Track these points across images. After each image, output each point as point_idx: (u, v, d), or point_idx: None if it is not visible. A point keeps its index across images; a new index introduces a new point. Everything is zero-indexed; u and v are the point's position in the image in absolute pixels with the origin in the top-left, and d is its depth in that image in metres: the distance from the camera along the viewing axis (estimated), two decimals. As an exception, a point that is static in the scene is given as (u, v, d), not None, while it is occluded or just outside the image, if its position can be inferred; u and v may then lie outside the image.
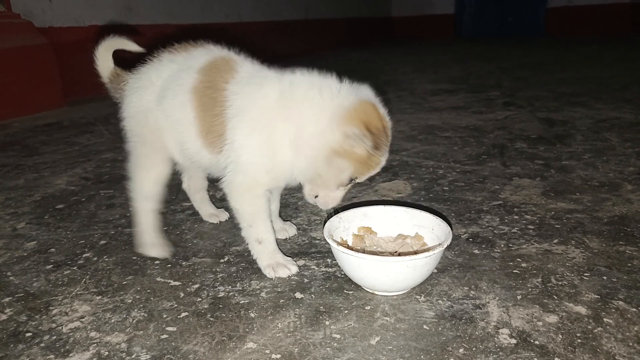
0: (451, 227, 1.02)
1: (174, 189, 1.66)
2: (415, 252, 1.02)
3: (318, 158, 0.96)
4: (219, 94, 1.03)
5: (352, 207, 1.15)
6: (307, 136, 0.96)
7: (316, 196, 1.04)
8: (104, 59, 1.20)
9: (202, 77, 1.05)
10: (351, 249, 1.02)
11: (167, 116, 1.09)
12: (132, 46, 1.22)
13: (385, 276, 0.91)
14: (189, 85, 1.05)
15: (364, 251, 1.05)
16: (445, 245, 0.94)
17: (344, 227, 1.11)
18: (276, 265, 1.06)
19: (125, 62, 1.23)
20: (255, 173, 1.01)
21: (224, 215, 1.39)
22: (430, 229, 1.07)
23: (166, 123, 1.10)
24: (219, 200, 1.54)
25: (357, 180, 1.01)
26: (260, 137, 0.99)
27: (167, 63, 1.12)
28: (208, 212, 1.40)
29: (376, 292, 0.97)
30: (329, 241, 0.97)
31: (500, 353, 0.78)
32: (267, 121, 0.99)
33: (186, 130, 1.07)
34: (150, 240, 1.19)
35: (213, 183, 1.68)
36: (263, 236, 1.07)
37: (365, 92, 1.00)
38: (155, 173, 1.17)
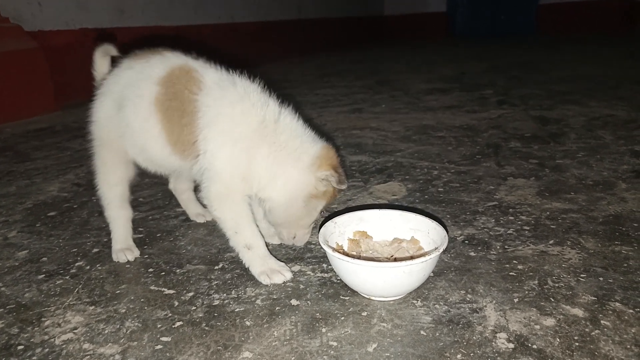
0: (447, 231, 1.01)
1: (167, 194, 1.65)
2: (412, 257, 1.02)
3: (297, 202, 1.06)
4: (188, 105, 1.04)
5: (347, 212, 1.14)
6: (287, 183, 1.05)
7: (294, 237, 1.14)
8: (100, 63, 1.25)
9: (164, 89, 1.06)
10: (347, 254, 1.01)
11: (128, 126, 1.11)
12: (114, 53, 1.26)
13: (382, 282, 0.90)
14: (150, 97, 1.06)
15: (359, 256, 1.04)
16: (441, 250, 0.93)
17: (340, 232, 1.10)
18: (270, 271, 1.05)
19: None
20: (230, 180, 1.03)
21: (210, 215, 1.40)
22: (426, 233, 1.07)
23: (128, 132, 1.12)
24: (213, 205, 1.53)
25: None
26: (235, 147, 1.02)
27: (125, 70, 1.14)
28: (195, 211, 1.42)
29: (373, 298, 0.96)
30: (325, 247, 0.96)
31: (498, 358, 0.78)
32: (244, 136, 1.02)
33: (151, 140, 1.09)
34: (120, 246, 1.21)
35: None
36: (251, 241, 1.06)
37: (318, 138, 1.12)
38: (117, 175, 1.20)
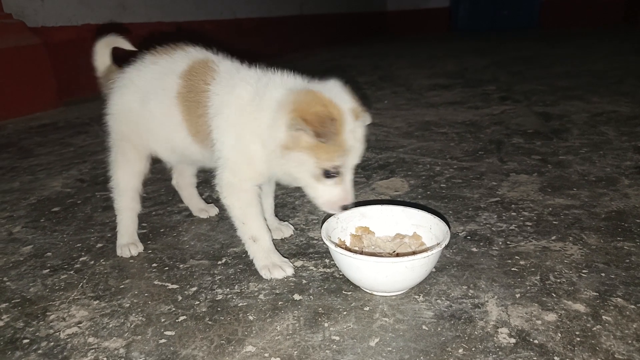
0: (449, 226, 1.02)
1: (170, 190, 1.65)
2: (414, 252, 1.02)
3: (276, 156, 0.98)
4: (202, 95, 1.06)
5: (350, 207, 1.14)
6: (265, 137, 0.99)
7: None
8: (101, 54, 1.26)
9: (184, 82, 1.08)
10: (349, 249, 1.01)
11: (154, 119, 1.13)
12: (126, 45, 1.28)
13: (384, 277, 0.91)
14: (173, 90, 1.09)
15: (362, 251, 1.05)
16: (443, 245, 0.93)
17: (342, 227, 1.11)
18: (272, 266, 1.05)
19: (122, 59, 1.26)
20: (236, 167, 1.04)
21: (213, 210, 1.43)
22: (428, 228, 1.07)
23: (153, 125, 1.14)
24: (216, 200, 1.54)
25: (342, 168, 0.97)
26: (234, 133, 1.02)
27: (150, 65, 1.15)
28: (197, 207, 1.43)
29: (375, 293, 0.97)
30: (327, 243, 0.96)
31: (500, 353, 0.78)
32: (239, 119, 1.01)
33: (175, 131, 1.11)
34: (126, 241, 1.22)
35: (208, 184, 1.68)
36: (257, 233, 1.07)
37: (320, 85, 1.00)
38: (133, 168, 1.21)
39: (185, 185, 1.42)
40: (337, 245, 0.96)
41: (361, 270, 0.92)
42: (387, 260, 0.89)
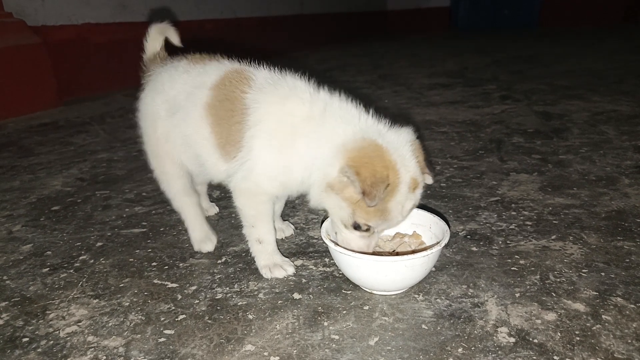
0: (448, 225, 1.01)
1: (171, 189, 1.65)
2: (414, 252, 1.02)
3: (318, 187, 0.94)
4: (238, 103, 1.01)
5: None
6: (314, 165, 0.95)
7: None
8: (153, 39, 1.23)
9: (216, 93, 1.04)
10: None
11: (179, 132, 1.10)
12: (175, 38, 1.25)
13: (383, 276, 0.91)
14: (202, 102, 1.04)
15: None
16: (443, 244, 0.93)
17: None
18: (273, 265, 1.05)
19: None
20: (266, 184, 1.00)
21: (213, 210, 1.44)
22: (427, 228, 1.07)
23: (178, 138, 1.11)
24: (216, 199, 1.54)
25: (374, 228, 0.93)
26: (279, 151, 0.97)
27: (182, 73, 1.11)
28: (204, 205, 1.42)
29: (374, 292, 0.97)
30: (326, 241, 0.96)
31: (499, 352, 0.78)
32: (289, 137, 0.96)
33: (201, 145, 1.07)
34: (200, 236, 1.20)
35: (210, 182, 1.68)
36: (264, 237, 1.07)
37: (390, 135, 0.93)
38: (171, 169, 1.18)
39: (195, 182, 1.37)
40: (336, 244, 0.96)
41: (360, 269, 0.92)
42: (386, 259, 0.89)
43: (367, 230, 0.93)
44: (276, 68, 1.07)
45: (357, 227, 0.93)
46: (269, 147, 0.97)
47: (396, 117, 2.52)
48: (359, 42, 7.72)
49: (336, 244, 0.97)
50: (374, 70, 4.45)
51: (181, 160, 1.16)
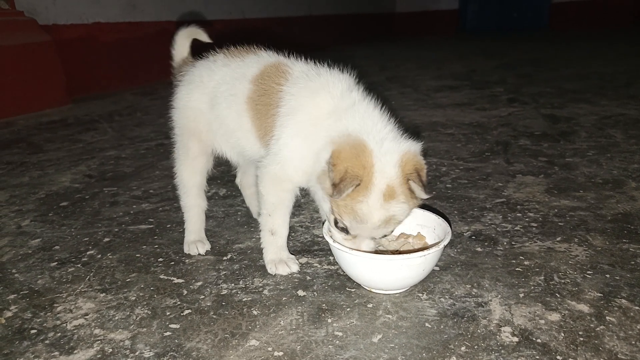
0: (451, 227, 1.01)
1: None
2: (412, 251, 1.02)
3: (315, 178, 0.97)
4: (274, 96, 1.03)
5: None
6: (316, 156, 0.96)
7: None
8: (180, 44, 1.27)
9: (256, 87, 1.06)
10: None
11: (221, 123, 1.12)
12: (204, 37, 1.27)
13: (379, 274, 0.91)
14: (243, 96, 1.07)
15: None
16: (442, 245, 0.93)
17: None
18: (279, 261, 1.06)
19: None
20: (291, 169, 1.01)
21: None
22: (432, 229, 1.07)
23: (220, 128, 1.13)
24: (222, 197, 1.55)
25: (353, 231, 0.93)
26: (303, 141, 0.98)
27: (221, 67, 1.13)
28: (258, 209, 1.37)
29: (373, 290, 0.97)
30: (327, 237, 0.97)
31: (502, 351, 0.79)
32: (312, 128, 0.97)
33: (244, 137, 1.10)
34: (194, 238, 1.21)
35: (214, 181, 1.69)
36: (277, 229, 1.07)
37: (388, 142, 0.91)
38: (197, 165, 1.21)
39: (249, 184, 1.39)
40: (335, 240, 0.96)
41: (357, 267, 0.93)
42: (381, 257, 0.90)
43: (347, 232, 0.93)
44: (314, 61, 1.08)
45: (337, 226, 0.94)
46: (295, 137, 0.99)
47: (402, 118, 2.52)
48: (367, 43, 7.73)
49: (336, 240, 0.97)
50: (381, 72, 4.45)
51: (219, 152, 1.19)
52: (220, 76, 1.12)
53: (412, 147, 0.92)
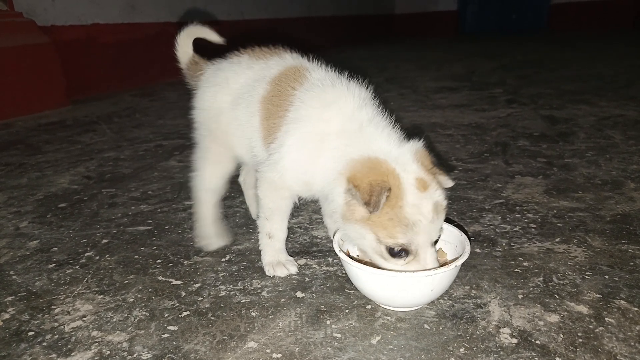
0: (471, 244, 0.95)
1: (175, 188, 1.67)
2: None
3: (337, 220, 0.91)
4: (286, 99, 1.01)
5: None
6: (328, 188, 0.92)
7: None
8: (184, 45, 1.24)
9: (271, 87, 1.05)
10: (360, 260, 0.93)
11: (238, 124, 1.11)
12: (212, 36, 1.25)
13: (385, 290, 0.86)
14: (259, 96, 1.06)
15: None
16: (452, 266, 0.85)
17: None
18: (276, 263, 1.06)
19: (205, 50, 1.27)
20: (290, 180, 0.99)
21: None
22: (454, 246, 1.00)
23: (238, 129, 1.12)
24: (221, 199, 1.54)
25: (412, 246, 0.84)
26: (307, 155, 0.96)
27: (245, 69, 1.13)
28: (257, 211, 1.37)
29: (388, 307, 0.92)
30: (337, 251, 0.92)
31: (501, 352, 0.78)
32: (318, 144, 0.95)
33: (253, 137, 1.09)
34: (209, 232, 1.21)
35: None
36: (275, 233, 1.07)
37: (394, 150, 0.90)
38: (220, 168, 1.20)
39: (251, 184, 1.37)
40: (347, 255, 0.92)
41: (365, 282, 0.88)
42: (384, 273, 0.84)
43: (406, 253, 0.85)
44: (337, 69, 1.06)
45: (394, 253, 0.85)
46: (299, 149, 0.96)
47: (402, 119, 2.52)
48: (366, 44, 7.74)
49: (347, 255, 0.92)
50: (380, 73, 4.45)
51: (238, 155, 1.18)
52: (244, 79, 1.12)
53: (419, 146, 0.92)
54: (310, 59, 1.11)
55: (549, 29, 8.27)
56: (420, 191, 0.84)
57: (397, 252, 0.84)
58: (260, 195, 1.05)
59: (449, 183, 0.90)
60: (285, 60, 1.10)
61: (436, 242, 0.90)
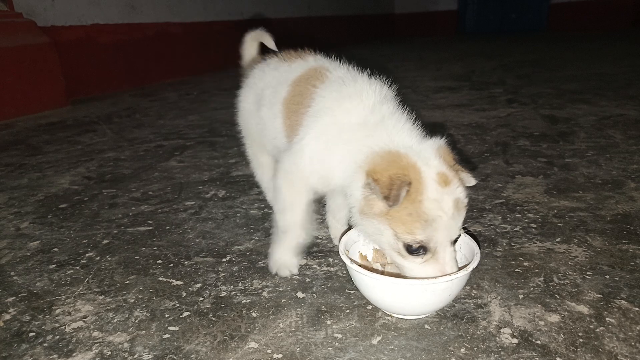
0: (479, 246, 0.93)
1: (176, 188, 1.67)
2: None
3: (354, 214, 0.90)
4: (307, 97, 1.01)
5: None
6: (346, 183, 0.91)
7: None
8: (249, 46, 1.34)
9: (292, 89, 1.06)
10: (367, 267, 0.91)
11: (263, 127, 1.15)
12: (269, 42, 1.36)
13: (384, 296, 0.85)
14: (281, 98, 1.08)
15: (384, 268, 1.00)
16: (470, 269, 0.83)
17: (365, 240, 1.02)
18: (281, 263, 1.05)
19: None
20: (308, 171, 0.97)
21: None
22: (458, 248, 0.98)
23: (263, 132, 1.16)
24: (221, 199, 1.55)
25: (431, 243, 0.82)
26: (327, 143, 0.95)
27: (271, 71, 1.17)
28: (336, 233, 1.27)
29: (395, 315, 0.90)
30: (342, 257, 0.90)
31: (502, 353, 0.78)
32: (336, 136, 0.94)
33: (276, 138, 1.10)
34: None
35: (214, 182, 1.69)
36: (289, 228, 1.05)
37: (416, 145, 0.88)
38: (265, 164, 1.28)
39: (338, 208, 1.25)
40: (352, 260, 0.90)
41: (375, 290, 0.86)
42: (404, 281, 0.82)
43: (425, 250, 0.82)
44: (361, 68, 1.07)
45: (412, 251, 0.83)
46: (318, 139, 0.95)
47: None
48: (366, 44, 7.74)
49: (352, 260, 0.90)
50: (380, 73, 4.45)
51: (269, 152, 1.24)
52: (268, 79, 1.15)
53: (441, 142, 0.91)
54: (334, 58, 1.12)
55: (549, 30, 8.26)
56: (442, 186, 0.81)
57: (415, 250, 0.82)
58: (276, 187, 1.03)
59: (472, 181, 0.87)
60: (307, 62, 1.11)
61: (456, 241, 0.87)
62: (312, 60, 1.12)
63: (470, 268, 0.83)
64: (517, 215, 1.31)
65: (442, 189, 0.81)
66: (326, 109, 0.96)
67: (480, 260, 1.06)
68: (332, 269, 1.08)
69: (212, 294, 1.00)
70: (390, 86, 1.04)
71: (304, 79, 1.05)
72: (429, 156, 0.85)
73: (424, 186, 0.80)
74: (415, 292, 0.82)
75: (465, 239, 0.96)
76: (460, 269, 0.84)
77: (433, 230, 0.80)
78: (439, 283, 0.80)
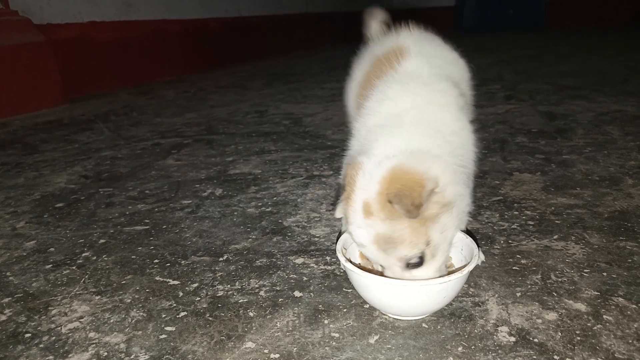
0: (479, 247, 0.93)
1: (173, 187, 1.66)
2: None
3: None
4: (383, 71, 1.01)
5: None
6: None
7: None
8: (373, 25, 1.44)
9: (367, 70, 1.08)
10: (364, 268, 0.91)
11: (350, 105, 1.17)
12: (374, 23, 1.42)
13: (379, 296, 0.84)
14: (362, 73, 1.09)
15: (382, 269, 0.99)
16: (466, 272, 0.82)
17: None
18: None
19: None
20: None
21: None
22: (459, 249, 0.98)
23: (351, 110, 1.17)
24: (219, 197, 1.54)
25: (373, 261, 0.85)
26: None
27: (366, 52, 1.21)
28: None
29: (391, 316, 0.89)
30: (339, 256, 0.89)
31: (500, 351, 0.78)
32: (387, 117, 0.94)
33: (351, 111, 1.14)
34: None
35: (211, 181, 1.68)
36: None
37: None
38: None
39: None
40: (349, 260, 0.89)
41: (371, 291, 0.85)
42: (376, 277, 0.81)
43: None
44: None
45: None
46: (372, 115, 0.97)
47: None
48: (364, 41, 7.71)
49: (349, 260, 0.89)
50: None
51: None
52: (362, 60, 1.18)
53: (399, 163, 0.83)
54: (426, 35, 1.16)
55: (546, 26, 8.26)
56: (364, 217, 0.80)
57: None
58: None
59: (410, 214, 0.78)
60: (396, 39, 1.13)
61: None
62: (403, 36, 1.15)
63: (465, 271, 0.82)
64: (515, 212, 1.31)
65: (363, 219, 0.78)
66: (388, 87, 0.98)
67: (480, 261, 1.07)
68: (329, 267, 1.08)
69: (209, 293, 1.00)
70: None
71: (380, 62, 1.06)
72: (373, 178, 0.79)
73: (351, 211, 0.81)
74: (408, 292, 0.81)
75: (467, 241, 0.96)
76: (459, 269, 0.84)
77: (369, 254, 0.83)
78: (432, 285, 0.80)
